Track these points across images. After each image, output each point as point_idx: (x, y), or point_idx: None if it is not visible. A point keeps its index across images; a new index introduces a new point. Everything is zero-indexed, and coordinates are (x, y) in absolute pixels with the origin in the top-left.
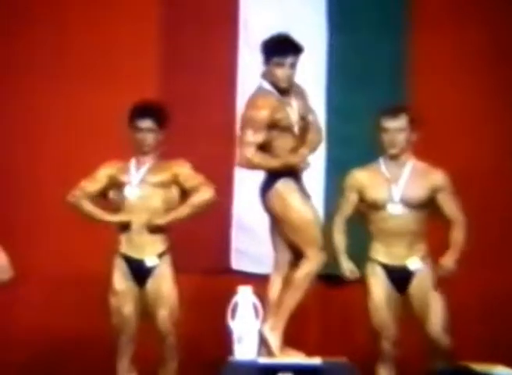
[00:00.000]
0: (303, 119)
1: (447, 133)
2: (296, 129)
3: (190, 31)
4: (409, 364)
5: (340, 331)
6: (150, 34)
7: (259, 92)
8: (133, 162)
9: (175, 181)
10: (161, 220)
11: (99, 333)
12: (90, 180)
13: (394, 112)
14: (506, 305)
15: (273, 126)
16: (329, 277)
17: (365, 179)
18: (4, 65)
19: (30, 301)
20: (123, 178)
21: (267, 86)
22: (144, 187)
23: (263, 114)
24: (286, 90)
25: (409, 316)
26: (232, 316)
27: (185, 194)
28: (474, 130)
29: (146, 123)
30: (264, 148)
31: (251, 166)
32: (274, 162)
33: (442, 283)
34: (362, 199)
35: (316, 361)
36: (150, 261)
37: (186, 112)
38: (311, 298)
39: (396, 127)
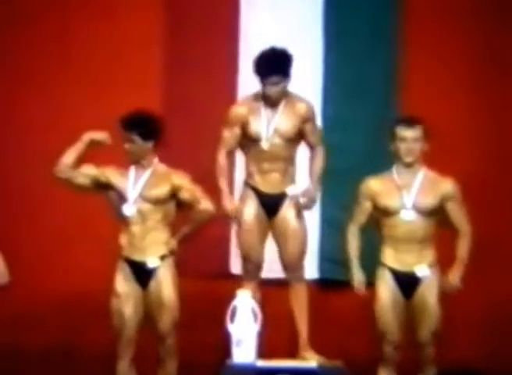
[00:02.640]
0: (284, 138)
1: (440, 144)
2: (265, 144)
3: (192, 39)
4: (410, 368)
5: (337, 335)
6: (153, 40)
7: (250, 94)
8: (132, 174)
9: (173, 194)
10: (172, 244)
11: (98, 337)
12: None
13: (411, 122)
14: (508, 314)
15: (245, 130)
16: (327, 282)
17: (378, 186)
18: (6, 68)
19: (30, 307)
20: (121, 188)
21: (260, 93)
22: (141, 203)
23: (239, 109)
24: (274, 103)
25: (411, 320)
26: (231, 320)
27: (181, 205)
28: (467, 140)
29: (130, 134)
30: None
31: (214, 164)
32: (221, 181)
33: (446, 293)
34: (375, 206)
35: (311, 364)
36: (151, 262)
37: (188, 119)
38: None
39: (413, 137)
